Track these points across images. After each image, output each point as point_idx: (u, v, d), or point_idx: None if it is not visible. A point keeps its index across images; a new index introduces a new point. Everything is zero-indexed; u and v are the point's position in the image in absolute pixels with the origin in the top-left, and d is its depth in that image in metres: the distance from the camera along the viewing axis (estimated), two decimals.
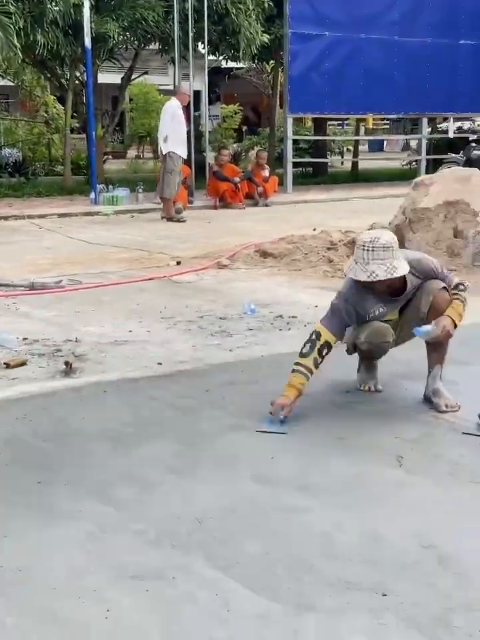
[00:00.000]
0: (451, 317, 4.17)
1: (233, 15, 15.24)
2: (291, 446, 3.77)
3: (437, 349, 4.31)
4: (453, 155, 17.61)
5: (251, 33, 15.38)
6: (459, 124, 22.02)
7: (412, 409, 4.27)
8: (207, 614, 2.44)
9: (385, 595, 2.53)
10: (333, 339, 4.15)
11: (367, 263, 4.01)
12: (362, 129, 29.35)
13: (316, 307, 6.57)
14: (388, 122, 34.31)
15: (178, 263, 8.68)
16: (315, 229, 9.95)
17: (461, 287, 4.33)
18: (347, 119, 25.75)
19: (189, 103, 13.90)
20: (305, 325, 6.02)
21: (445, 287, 4.24)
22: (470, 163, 16.09)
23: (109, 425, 4.02)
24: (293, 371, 4.11)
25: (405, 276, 4.12)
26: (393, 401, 4.40)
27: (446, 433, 3.94)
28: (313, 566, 2.71)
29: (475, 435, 3.87)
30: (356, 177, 20.90)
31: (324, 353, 4.13)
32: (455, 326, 4.19)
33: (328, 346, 4.14)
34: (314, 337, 4.14)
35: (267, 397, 4.31)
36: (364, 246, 4.02)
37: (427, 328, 4.15)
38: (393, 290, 4.20)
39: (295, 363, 4.12)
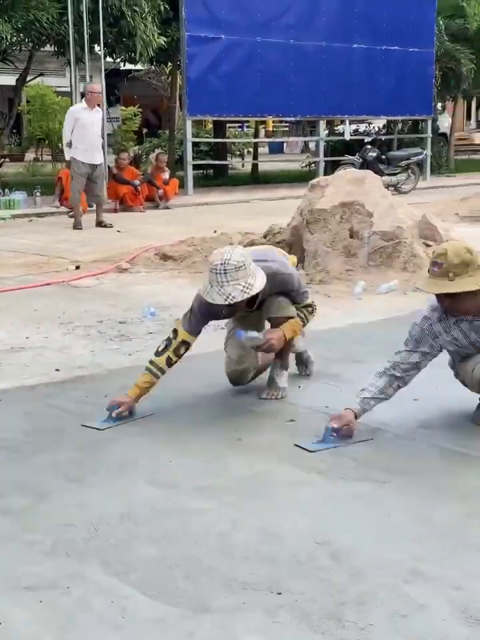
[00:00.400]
0: (284, 331, 4.30)
1: (128, 17, 15.15)
2: (190, 448, 3.78)
3: (277, 355, 4.49)
4: (350, 156, 17.95)
5: (147, 35, 15.32)
6: (354, 126, 22.46)
7: (307, 408, 4.33)
8: (102, 621, 2.43)
9: (280, 594, 2.56)
10: (190, 338, 4.23)
11: (222, 286, 3.95)
12: (262, 132, 29.62)
13: None
14: (287, 124, 34.70)
15: (77, 268, 8.59)
16: (215, 231, 10.00)
17: (310, 309, 4.46)
18: (247, 121, 25.98)
19: (100, 102, 13.53)
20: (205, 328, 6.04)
21: (286, 305, 4.32)
22: (366, 164, 16.46)
23: (3, 434, 3.96)
24: (145, 368, 4.18)
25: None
26: (288, 401, 4.46)
27: None
28: (209, 567, 2.73)
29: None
30: (256, 179, 21.08)
31: (181, 352, 4.22)
32: (288, 339, 4.35)
33: (185, 345, 4.23)
34: (172, 335, 4.23)
35: (165, 400, 4.33)
36: (216, 269, 3.95)
37: (252, 334, 4.24)
38: (248, 302, 4.18)
39: (149, 362, 4.20)
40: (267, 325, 4.49)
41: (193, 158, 18.04)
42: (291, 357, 4.70)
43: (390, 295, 7.20)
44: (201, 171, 20.96)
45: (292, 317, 4.35)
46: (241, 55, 17.49)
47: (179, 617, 2.45)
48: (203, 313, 4.24)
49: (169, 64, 20.46)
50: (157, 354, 4.19)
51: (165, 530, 2.99)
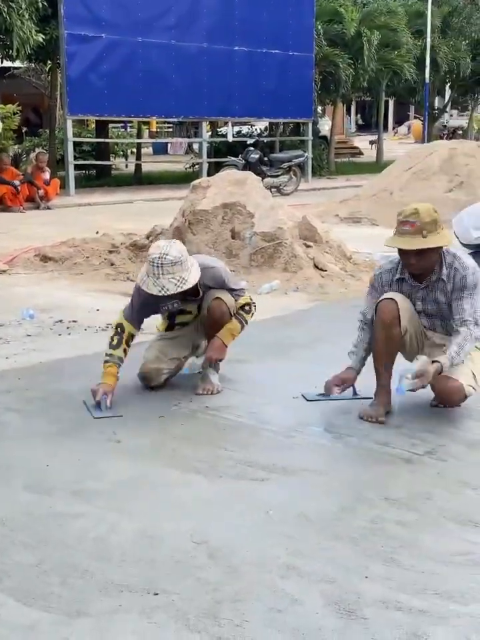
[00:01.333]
0: (222, 339, 4.51)
1: (4, 14, 14.80)
2: (66, 451, 3.73)
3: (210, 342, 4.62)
4: (233, 158, 18.08)
5: (24, 32, 15.00)
6: (237, 128, 22.64)
7: (184, 407, 4.34)
8: None
9: (157, 594, 2.57)
10: (134, 329, 4.41)
11: (157, 278, 4.16)
12: (145, 132, 29.46)
13: (97, 310, 6.56)
14: (171, 125, 34.63)
15: None
16: (97, 232, 9.89)
17: (247, 308, 4.56)
18: (129, 121, 25.78)
19: None
20: (85, 329, 5.99)
21: (221, 297, 4.46)
22: (248, 165, 16.61)
23: None
24: (106, 362, 4.31)
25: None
26: (164, 399, 4.45)
27: (217, 431, 4.04)
28: (86, 571, 2.70)
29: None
30: (140, 180, 20.94)
31: (130, 343, 4.40)
32: (227, 345, 4.56)
33: (131, 336, 4.41)
34: (119, 330, 4.38)
35: (42, 403, 4.26)
36: (153, 262, 4.16)
37: (194, 365, 4.73)
38: (186, 293, 4.34)
39: (107, 354, 4.33)
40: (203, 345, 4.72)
41: (75, 158, 17.80)
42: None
43: (271, 294, 7.29)
44: (83, 171, 20.68)
45: (227, 305, 4.47)
46: (122, 55, 17.35)
47: (53, 622, 2.42)
48: (143, 304, 4.39)
49: (49, 62, 20.07)
50: (113, 347, 4.33)
51: (40, 535, 2.95)
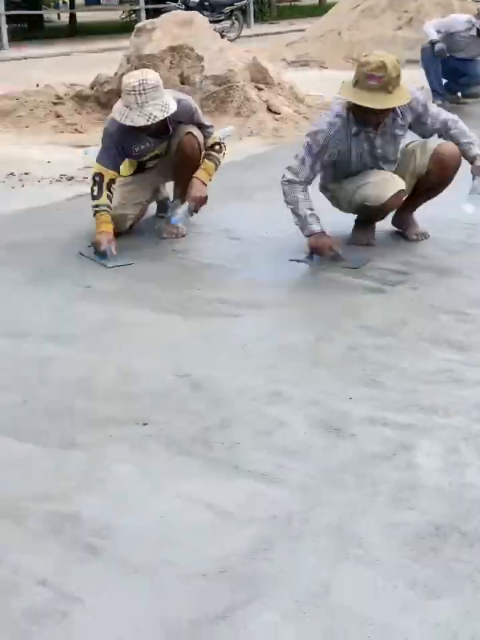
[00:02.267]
0: (200, 178, 4.37)
1: None
2: (36, 299, 3.67)
3: (177, 183, 4.52)
4: (172, 3, 17.29)
5: None
6: None
7: (154, 251, 4.28)
8: None
9: (146, 424, 2.59)
10: (114, 174, 4.25)
11: (142, 106, 4.02)
12: None
13: (48, 162, 6.35)
14: None
15: None
16: (37, 85, 9.47)
17: (217, 147, 4.41)
18: None
19: None
20: (39, 181, 5.81)
21: (192, 132, 4.33)
22: (189, 10, 15.89)
23: None
24: (96, 212, 4.19)
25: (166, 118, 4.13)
26: (130, 246, 4.38)
27: (186, 272, 4.01)
28: (72, 408, 2.71)
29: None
30: (74, 31, 20.03)
31: (112, 188, 4.24)
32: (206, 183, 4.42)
33: (112, 180, 4.25)
34: (98, 179, 4.22)
35: (5, 253, 4.18)
36: (134, 90, 4.00)
37: (179, 212, 4.35)
38: (157, 130, 4.21)
39: (94, 206, 4.20)
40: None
41: (5, 9, 16.85)
42: None
43: (226, 140, 7.10)
44: (16, 25, 19.68)
45: (198, 141, 4.35)
46: None
47: (46, 454, 2.43)
48: (116, 145, 4.24)
49: None
50: (96, 198, 4.20)
51: (22, 377, 2.93)
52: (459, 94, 8.60)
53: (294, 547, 1.99)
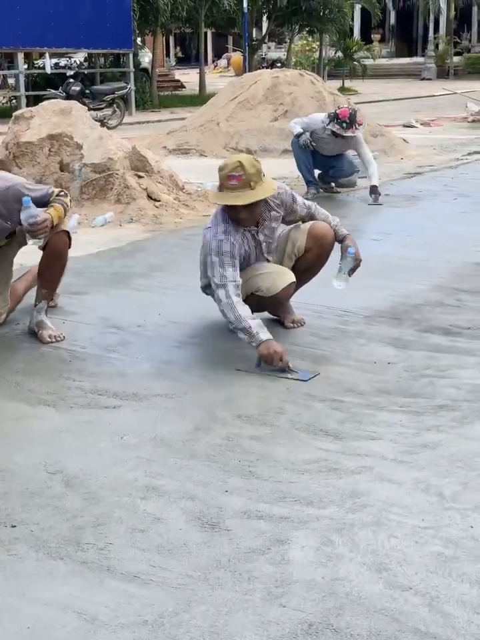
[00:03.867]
0: (50, 214, 4.06)
1: None
2: None
3: (44, 283, 4.32)
4: (53, 91, 17.44)
5: None
6: (56, 60, 21.78)
7: (21, 340, 4.21)
8: None
9: (14, 526, 2.49)
10: None
11: None
12: None
13: None
14: None
15: None
16: None
17: (62, 193, 4.28)
18: None
19: None
20: None
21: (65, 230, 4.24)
22: (70, 98, 16.06)
23: None
24: None
25: None
26: (13, 334, 4.30)
27: (63, 362, 3.95)
28: None
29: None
30: None
31: None
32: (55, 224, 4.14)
33: None
34: None
35: None
36: None
37: (31, 214, 3.97)
38: None
39: None
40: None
41: None
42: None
43: (106, 227, 7.15)
44: None
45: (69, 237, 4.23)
46: None
47: None
48: None
49: None
50: None
51: None
52: (333, 184, 8.91)
53: None
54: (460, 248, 6.10)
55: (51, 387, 3.61)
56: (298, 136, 8.38)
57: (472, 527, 2.45)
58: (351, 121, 7.97)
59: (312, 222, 4.30)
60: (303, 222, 4.33)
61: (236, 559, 2.32)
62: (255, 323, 3.79)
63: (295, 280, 4.18)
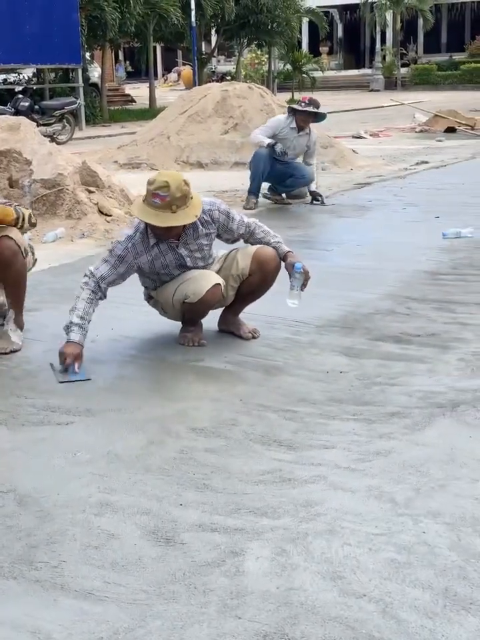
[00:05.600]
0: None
1: None
2: None
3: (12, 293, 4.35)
4: (1, 107, 17.29)
5: None
6: (3, 76, 21.66)
7: None
8: None
9: None
10: None
11: None
12: None
13: None
14: None
15: None
16: None
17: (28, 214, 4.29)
18: None
19: None
20: None
21: (8, 235, 4.18)
22: (19, 114, 15.96)
23: None
24: None
25: None
26: None
27: (14, 380, 3.91)
28: None
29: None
30: None
31: None
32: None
33: None
34: None
35: None
36: None
37: None
38: None
39: None
40: None
41: None
42: None
43: (57, 243, 7.11)
44: None
45: (16, 243, 4.18)
46: None
47: None
48: None
49: None
50: None
51: None
52: (284, 195, 8.98)
53: None
54: (409, 256, 6.17)
55: (2, 405, 3.58)
56: (272, 146, 8.44)
57: (424, 532, 2.48)
58: (310, 101, 8.56)
59: (258, 246, 4.26)
60: (245, 241, 4.31)
61: (191, 573, 2.31)
62: (78, 321, 3.95)
63: (220, 282, 4.15)
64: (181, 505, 2.70)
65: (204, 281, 4.12)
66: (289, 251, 4.26)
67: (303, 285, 4.21)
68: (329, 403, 3.54)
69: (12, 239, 4.16)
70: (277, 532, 2.51)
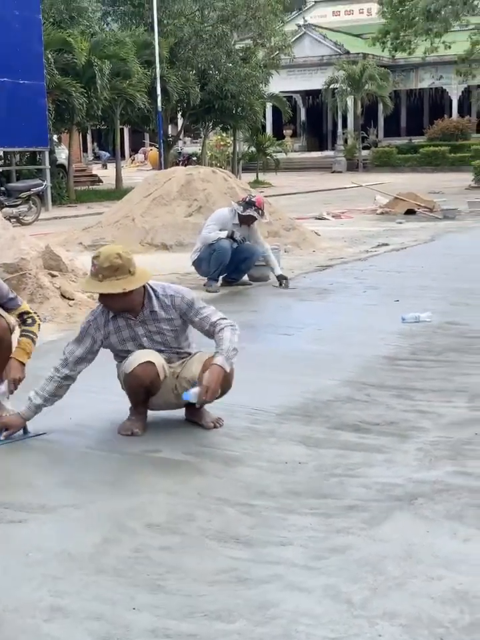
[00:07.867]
0: (18, 358, 4.31)
1: None
2: None
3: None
4: None
5: None
6: None
7: None
8: None
9: None
10: None
11: None
12: None
13: None
14: None
15: None
16: None
17: (29, 320, 4.38)
18: None
19: None
20: None
21: None
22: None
23: None
24: None
25: None
26: None
27: None
28: None
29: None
30: None
31: None
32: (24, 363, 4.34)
33: None
34: None
35: None
36: None
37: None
38: None
39: None
40: None
41: None
42: None
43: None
44: None
45: (6, 321, 4.32)
46: None
47: None
48: None
49: None
50: None
51: None
52: (246, 277, 9.07)
53: None
54: (368, 341, 6.23)
55: None
56: (231, 237, 8.58)
57: (380, 635, 2.44)
58: (250, 202, 8.72)
59: (209, 358, 4.17)
60: (209, 337, 4.27)
61: None
62: (36, 399, 4.20)
63: (154, 361, 4.16)
64: (134, 608, 2.64)
65: (139, 356, 4.19)
66: (216, 364, 4.05)
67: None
68: (287, 495, 3.51)
69: (2, 317, 4.31)
70: (231, 637, 2.46)
